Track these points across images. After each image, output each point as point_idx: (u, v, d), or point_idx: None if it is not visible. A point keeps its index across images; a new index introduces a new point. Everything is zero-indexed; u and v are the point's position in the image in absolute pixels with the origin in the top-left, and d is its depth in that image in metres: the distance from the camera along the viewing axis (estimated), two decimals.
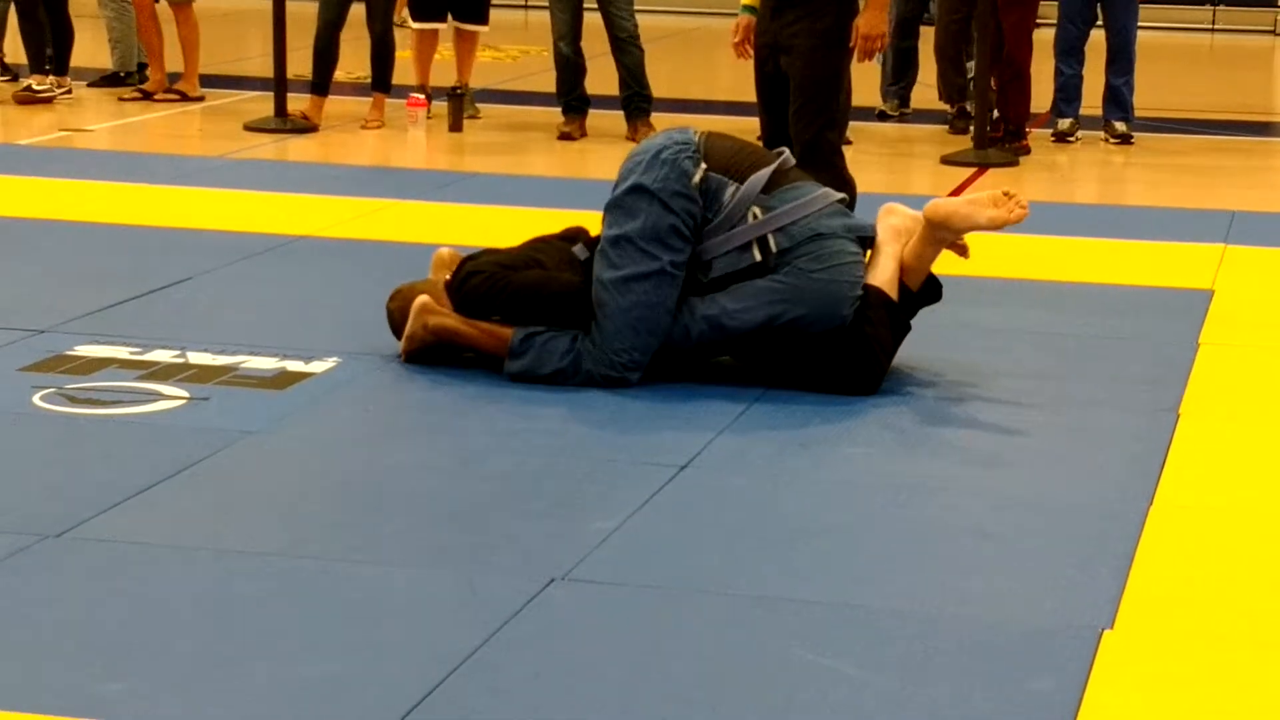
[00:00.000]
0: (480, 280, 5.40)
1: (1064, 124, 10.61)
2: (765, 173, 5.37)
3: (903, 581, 3.97)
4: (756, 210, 5.32)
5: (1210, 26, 18.10)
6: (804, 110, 6.52)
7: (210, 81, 12.13)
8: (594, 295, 5.28)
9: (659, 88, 10.39)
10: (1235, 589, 3.95)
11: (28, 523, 4.12)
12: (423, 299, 5.38)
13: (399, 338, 5.50)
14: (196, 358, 5.49)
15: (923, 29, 11.29)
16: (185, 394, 5.15)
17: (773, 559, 4.07)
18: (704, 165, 5.32)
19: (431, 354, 5.42)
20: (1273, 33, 17.80)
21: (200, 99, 11.20)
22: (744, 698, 3.36)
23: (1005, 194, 5.53)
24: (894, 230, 5.51)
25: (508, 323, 5.34)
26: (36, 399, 5.06)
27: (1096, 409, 5.28)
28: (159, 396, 5.13)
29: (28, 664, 3.42)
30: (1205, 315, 6.34)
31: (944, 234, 5.47)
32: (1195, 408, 5.27)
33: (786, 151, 5.63)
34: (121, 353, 5.53)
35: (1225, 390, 5.52)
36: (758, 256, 5.30)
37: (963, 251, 5.60)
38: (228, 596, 3.77)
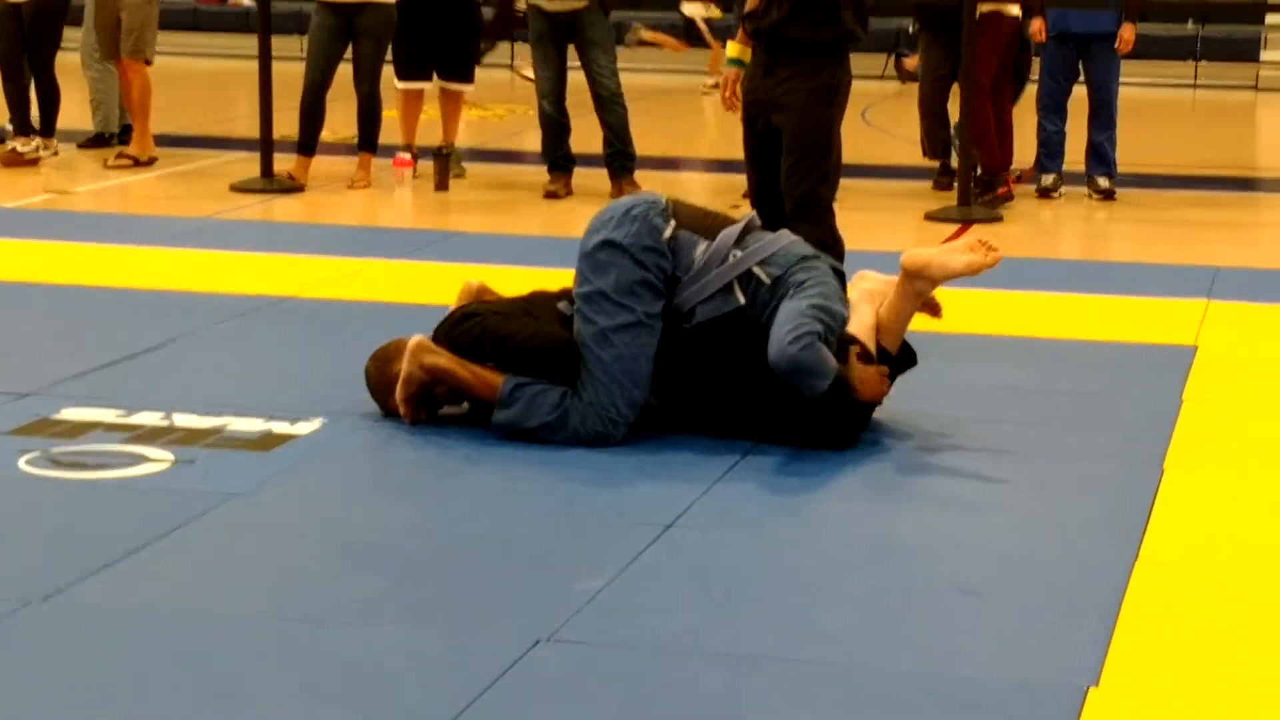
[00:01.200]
0: (471, 325, 5.43)
1: (1047, 179, 10.67)
2: (737, 227, 5.45)
3: (886, 639, 3.97)
4: (736, 252, 5.35)
5: (1192, 82, 18.21)
6: (797, 166, 6.55)
7: (197, 142, 12.19)
8: (581, 354, 5.30)
9: (642, 145, 10.43)
10: (1221, 646, 3.95)
11: (12, 588, 4.10)
12: (418, 338, 5.40)
13: (376, 399, 5.51)
14: (182, 420, 5.49)
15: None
16: (171, 456, 5.15)
17: (758, 617, 4.07)
18: (673, 222, 5.36)
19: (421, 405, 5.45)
20: (1254, 88, 17.91)
21: (152, 161, 11.16)
22: None
23: (980, 241, 5.55)
24: (868, 293, 5.54)
25: (499, 370, 5.36)
26: (22, 463, 5.06)
27: (1080, 463, 5.29)
28: (145, 459, 5.12)
29: None
30: (1189, 370, 6.35)
31: (921, 284, 5.48)
32: (1180, 462, 5.27)
33: (754, 213, 5.67)
34: (108, 415, 5.52)
35: (1210, 445, 5.52)
36: (741, 300, 5.33)
37: (935, 310, 5.62)
38: (214, 659, 3.77)
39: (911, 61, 12.78)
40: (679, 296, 5.35)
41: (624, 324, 5.28)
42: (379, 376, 5.51)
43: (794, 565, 4.46)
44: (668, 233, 5.35)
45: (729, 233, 5.42)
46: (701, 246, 5.37)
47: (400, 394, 5.39)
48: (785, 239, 5.51)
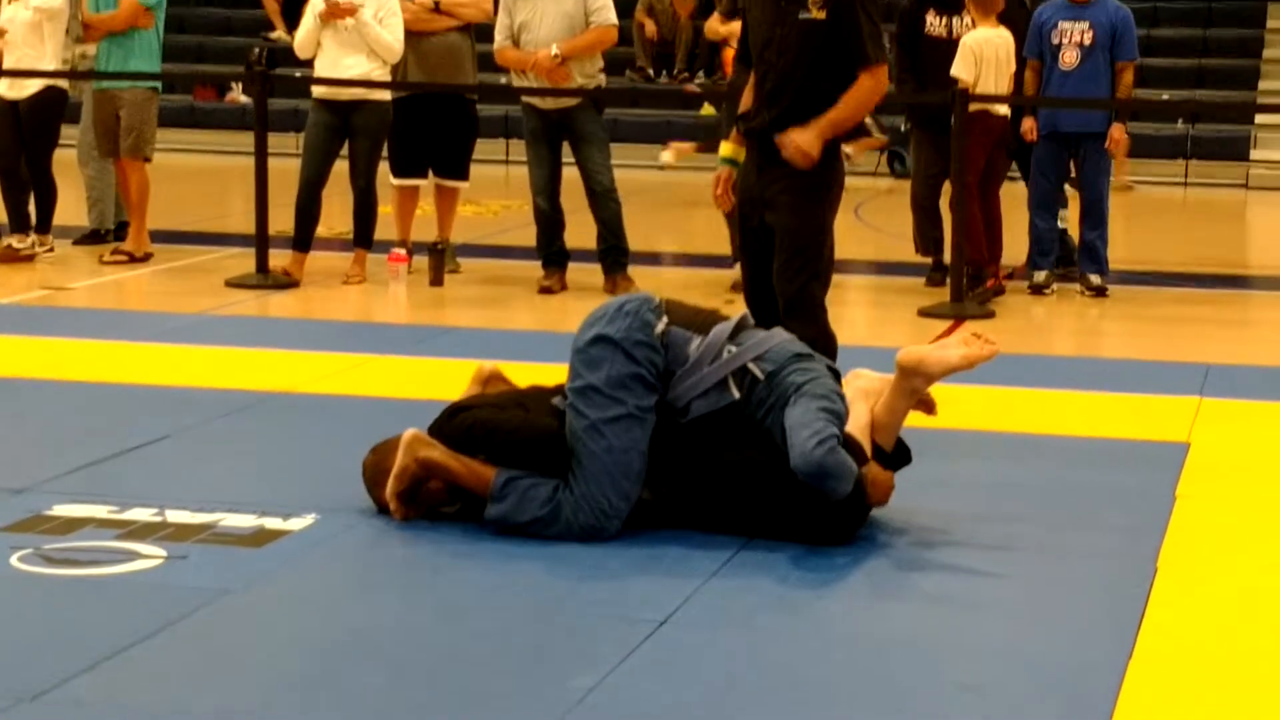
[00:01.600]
0: (463, 418, 5.45)
1: (1040, 276, 10.71)
2: (730, 323, 5.47)
3: None
4: (730, 348, 5.36)
5: (1183, 180, 18.30)
6: (789, 264, 6.55)
7: (192, 238, 12.22)
8: (572, 446, 5.30)
9: (636, 241, 10.46)
10: None
11: (3, 686, 4.08)
12: (413, 431, 5.40)
13: (371, 494, 5.51)
14: (175, 516, 5.48)
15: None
16: (163, 553, 5.13)
17: (752, 717, 4.04)
18: (666, 318, 5.38)
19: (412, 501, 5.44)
20: (1245, 186, 18.00)
21: (148, 258, 11.18)
22: None
23: (974, 334, 5.57)
24: (862, 391, 5.56)
25: (491, 463, 5.35)
26: (14, 560, 5.04)
27: (1075, 560, 5.29)
28: (137, 556, 5.10)
29: None
30: (1182, 467, 6.35)
31: (917, 380, 5.50)
32: (1173, 560, 5.26)
33: (747, 311, 5.69)
34: (100, 511, 5.51)
35: (1204, 543, 5.51)
36: (736, 394, 5.33)
37: (930, 408, 5.63)
38: None
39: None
40: (673, 391, 5.36)
41: (615, 417, 5.29)
42: (374, 470, 5.51)
43: (789, 663, 4.43)
44: (660, 328, 5.37)
45: (722, 328, 5.44)
46: (695, 342, 5.38)
47: (391, 488, 5.38)
48: (779, 336, 5.52)
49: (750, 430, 5.33)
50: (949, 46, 10.44)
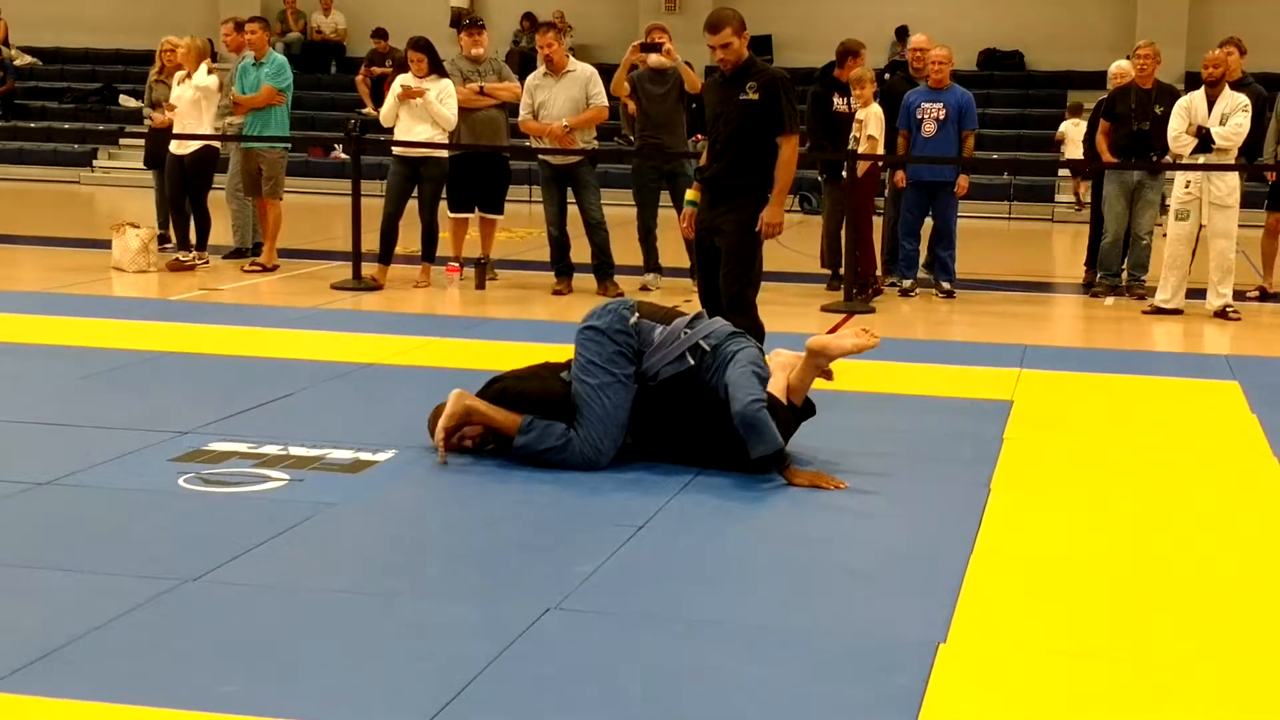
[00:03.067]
0: (497, 385, 5.47)
1: (906, 283, 10.70)
2: (687, 317, 5.46)
3: (800, 608, 3.94)
4: (686, 331, 5.34)
5: (1008, 215, 18.32)
6: (730, 274, 6.58)
7: (307, 254, 12.15)
8: (577, 404, 5.28)
9: (619, 258, 10.43)
10: (1040, 614, 3.93)
11: (173, 570, 4.06)
12: (459, 390, 5.40)
13: (431, 436, 5.47)
14: (296, 451, 5.45)
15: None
16: (287, 477, 5.10)
17: (706, 593, 4.03)
18: (637, 314, 5.38)
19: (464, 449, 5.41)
20: (1051, 220, 18.02)
21: (275, 268, 11.09)
22: (683, 692, 3.32)
23: (863, 329, 5.59)
24: (781, 364, 5.56)
25: (517, 412, 5.34)
26: (181, 481, 5.01)
27: (931, 482, 5.27)
28: (268, 479, 5.08)
29: (169, 667, 3.38)
30: (1008, 418, 6.35)
31: (820, 359, 5.50)
32: (1002, 482, 5.26)
33: (702, 310, 5.67)
34: (241, 447, 5.48)
35: (1024, 470, 5.51)
36: (691, 362, 5.31)
37: (829, 376, 5.62)
38: (313, 622, 3.72)
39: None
40: (645, 363, 5.34)
41: (608, 383, 5.27)
42: (433, 421, 5.49)
43: (731, 554, 4.42)
44: (633, 320, 5.36)
45: (681, 320, 5.43)
46: (658, 330, 5.38)
47: (442, 424, 5.36)
48: (719, 323, 5.53)
49: (702, 390, 5.31)
50: (846, 120, 10.44)
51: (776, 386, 5.42)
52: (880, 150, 10.35)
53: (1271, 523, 4.85)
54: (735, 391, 5.12)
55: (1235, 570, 4.34)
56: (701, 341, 5.35)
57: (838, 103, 10.54)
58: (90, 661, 3.42)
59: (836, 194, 10.60)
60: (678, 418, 5.36)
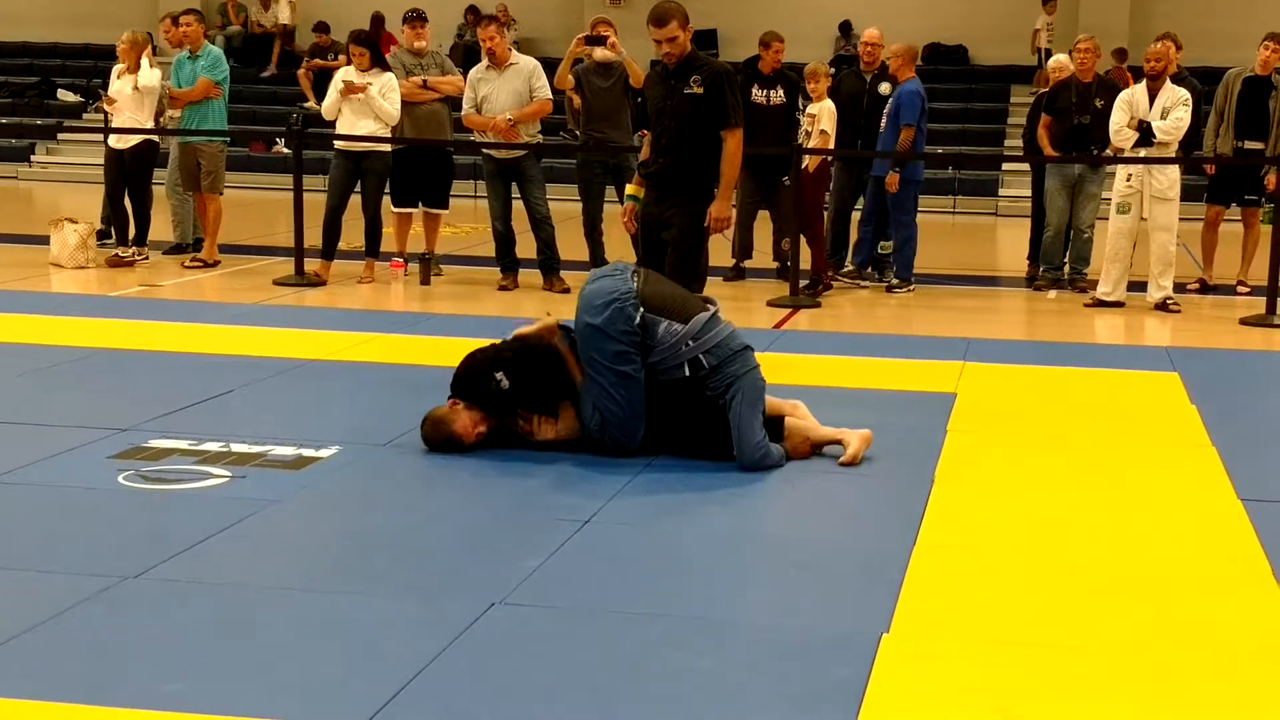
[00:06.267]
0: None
1: (855, 263, 10.81)
2: (704, 317, 5.38)
3: (744, 601, 3.96)
4: (689, 343, 5.30)
5: (952, 210, 18.44)
6: (677, 266, 6.60)
7: (248, 250, 12.06)
8: (594, 403, 5.32)
9: (565, 253, 10.42)
10: (982, 604, 3.97)
11: (114, 568, 4.04)
12: (553, 321, 5.47)
13: (436, 433, 5.42)
14: (237, 447, 5.42)
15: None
16: (228, 474, 5.08)
17: (651, 587, 4.05)
18: (641, 309, 5.28)
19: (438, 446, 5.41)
20: (995, 214, 18.15)
21: (217, 264, 11.01)
22: (628, 685, 3.33)
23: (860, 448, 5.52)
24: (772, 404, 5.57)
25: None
26: (120, 478, 4.98)
27: (878, 475, 5.31)
28: (209, 476, 5.05)
29: (111, 666, 3.36)
30: (951, 410, 6.40)
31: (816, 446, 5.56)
32: (946, 474, 5.31)
33: (718, 306, 5.58)
34: (182, 444, 5.44)
35: (966, 462, 5.56)
36: (686, 373, 5.30)
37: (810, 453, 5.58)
38: (255, 620, 3.71)
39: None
40: (650, 358, 5.32)
41: (620, 380, 5.27)
42: (433, 433, 5.42)
43: (676, 550, 4.43)
44: (637, 319, 5.28)
45: (697, 320, 5.34)
46: (663, 325, 5.30)
47: (531, 329, 5.45)
48: (726, 332, 5.42)
49: (694, 393, 5.32)
50: (765, 111, 10.38)
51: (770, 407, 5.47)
52: (832, 145, 10.37)
53: (1210, 510, 4.92)
54: (742, 436, 5.23)
55: (1175, 558, 4.41)
56: (703, 357, 5.32)
57: (755, 93, 10.52)
58: (30, 660, 3.39)
59: (750, 185, 10.53)
60: (669, 413, 5.38)
